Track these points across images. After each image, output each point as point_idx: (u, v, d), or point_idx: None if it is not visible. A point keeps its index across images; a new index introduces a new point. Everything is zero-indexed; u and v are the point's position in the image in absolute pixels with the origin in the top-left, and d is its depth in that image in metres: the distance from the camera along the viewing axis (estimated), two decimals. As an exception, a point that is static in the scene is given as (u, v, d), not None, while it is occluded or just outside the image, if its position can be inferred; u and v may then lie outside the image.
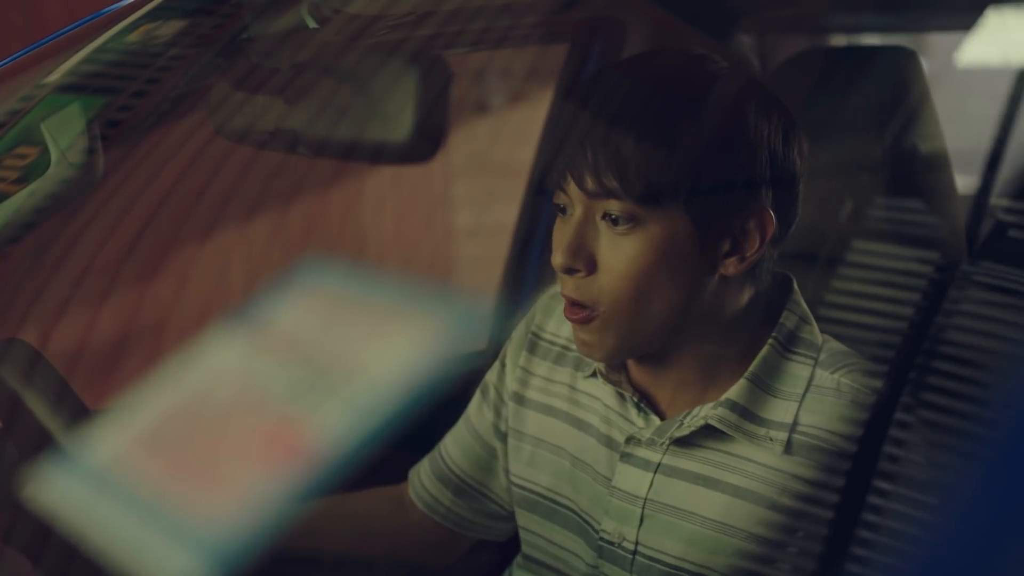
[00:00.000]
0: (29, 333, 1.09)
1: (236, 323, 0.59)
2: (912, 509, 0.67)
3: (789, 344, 1.00)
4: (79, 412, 1.07)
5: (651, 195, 0.93)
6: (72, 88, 1.21)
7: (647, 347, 1.00)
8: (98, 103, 1.21)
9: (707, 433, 0.99)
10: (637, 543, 1.02)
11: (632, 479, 1.03)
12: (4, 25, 2.87)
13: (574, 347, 1.11)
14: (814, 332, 1.01)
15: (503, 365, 1.18)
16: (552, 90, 1.82)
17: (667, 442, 1.01)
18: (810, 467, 0.95)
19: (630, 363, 1.05)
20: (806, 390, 0.98)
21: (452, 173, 3.80)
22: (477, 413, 1.20)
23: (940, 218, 1.34)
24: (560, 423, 1.11)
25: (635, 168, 0.92)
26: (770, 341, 1.00)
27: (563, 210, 0.98)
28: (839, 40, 2.51)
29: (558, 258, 0.96)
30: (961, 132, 1.60)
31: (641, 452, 1.03)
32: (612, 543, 1.04)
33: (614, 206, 0.94)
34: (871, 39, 2.32)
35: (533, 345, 1.15)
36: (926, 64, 1.41)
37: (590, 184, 0.94)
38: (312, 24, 1.29)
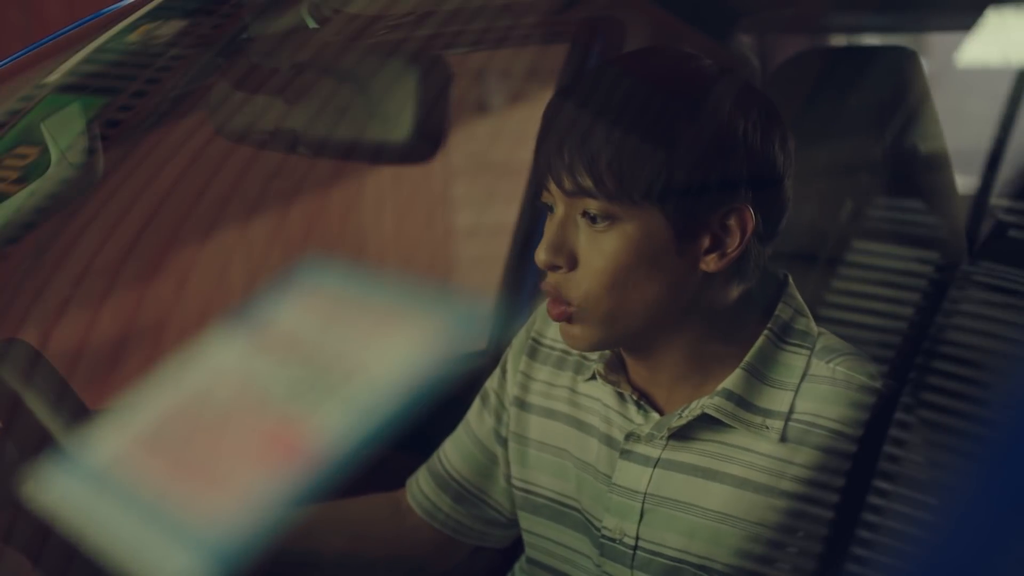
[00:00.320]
0: (29, 333, 1.09)
1: (236, 323, 0.59)
2: (912, 502, 0.67)
3: (784, 335, 1.01)
4: (79, 412, 1.07)
5: (625, 194, 0.94)
6: (72, 88, 1.21)
7: (629, 340, 1.01)
8: (98, 103, 1.21)
9: (705, 424, 1.00)
10: (638, 538, 1.02)
11: (632, 475, 1.03)
12: (4, 25, 2.87)
13: (574, 351, 1.12)
14: (809, 324, 1.02)
15: (503, 371, 1.18)
16: (552, 90, 1.82)
17: (666, 436, 1.01)
18: (807, 455, 0.95)
19: (628, 363, 1.06)
20: (802, 379, 0.99)
21: (452, 173, 3.81)
22: (477, 419, 1.20)
23: (940, 218, 1.34)
24: (562, 426, 1.11)
25: (608, 167, 0.94)
26: (765, 332, 1.00)
27: (550, 208, 1.00)
28: (839, 40, 2.51)
29: (540, 255, 0.98)
30: (961, 132, 1.61)
31: (640, 448, 1.03)
32: (613, 540, 1.04)
33: (591, 204, 0.95)
34: (871, 39, 2.32)
35: (533, 351, 1.16)
36: (926, 64, 1.41)
37: (567, 183, 0.96)
38: (312, 24, 1.29)
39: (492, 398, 1.19)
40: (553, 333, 1.15)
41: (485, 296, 2.02)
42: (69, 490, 0.55)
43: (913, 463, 0.71)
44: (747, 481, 0.98)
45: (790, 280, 1.04)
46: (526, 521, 1.14)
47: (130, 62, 1.26)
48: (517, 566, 1.21)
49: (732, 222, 0.96)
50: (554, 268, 0.98)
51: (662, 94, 0.97)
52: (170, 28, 1.30)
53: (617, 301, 0.96)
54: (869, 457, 0.75)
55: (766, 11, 1.94)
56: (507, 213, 1.96)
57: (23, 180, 1.13)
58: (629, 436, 1.04)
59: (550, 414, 1.13)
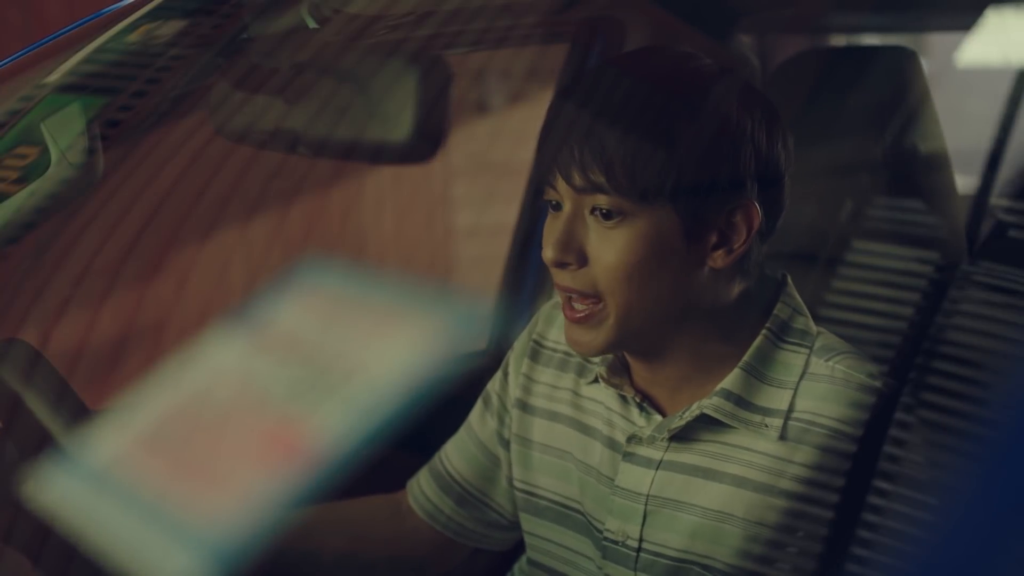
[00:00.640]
0: (29, 333, 1.09)
1: (236, 323, 0.59)
2: (912, 501, 0.67)
3: (783, 334, 1.01)
4: (79, 412, 1.07)
5: (637, 189, 0.94)
6: (72, 88, 1.21)
7: (640, 341, 1.01)
8: (98, 103, 1.21)
9: (705, 424, 1.00)
10: (641, 540, 1.02)
11: (634, 477, 1.03)
12: (4, 25, 2.87)
13: (576, 354, 1.12)
14: (808, 323, 1.02)
15: (505, 374, 1.18)
16: (552, 90, 1.82)
17: (667, 438, 1.01)
18: (806, 453, 0.96)
19: (632, 364, 1.06)
20: (801, 378, 0.99)
21: (452, 173, 3.81)
22: (480, 421, 1.20)
23: (940, 218, 1.34)
24: (565, 428, 1.11)
25: (621, 163, 0.94)
26: (764, 332, 1.01)
27: (554, 206, 0.99)
28: (839, 40, 2.51)
29: (549, 252, 0.98)
30: (961, 132, 1.61)
31: (643, 450, 1.03)
32: (616, 542, 1.04)
33: (602, 200, 0.95)
34: (871, 39, 2.32)
35: (535, 353, 1.16)
36: (926, 64, 1.41)
37: (577, 179, 0.95)
38: (312, 24, 1.29)
39: (494, 400, 1.19)
40: (555, 335, 1.15)
41: (485, 296, 2.02)
42: (69, 490, 0.55)
43: (913, 462, 0.71)
44: (747, 480, 0.98)
45: (789, 280, 1.04)
46: (528, 523, 1.14)
47: (130, 62, 1.26)
48: (516, 567, 1.21)
49: (738, 219, 0.97)
50: (562, 265, 0.97)
51: (674, 92, 0.98)
52: (170, 28, 1.30)
53: (629, 297, 0.96)
54: (869, 456, 0.76)
55: (766, 11, 1.94)
56: (507, 213, 1.96)
57: (23, 180, 1.13)
58: (631, 438, 1.04)
59: (553, 416, 1.12)
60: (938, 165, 1.37)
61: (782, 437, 0.97)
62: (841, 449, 0.94)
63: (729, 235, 0.97)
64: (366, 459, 0.51)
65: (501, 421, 1.18)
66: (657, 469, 1.02)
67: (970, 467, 0.55)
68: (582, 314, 0.98)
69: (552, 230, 0.98)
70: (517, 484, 1.15)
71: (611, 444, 1.06)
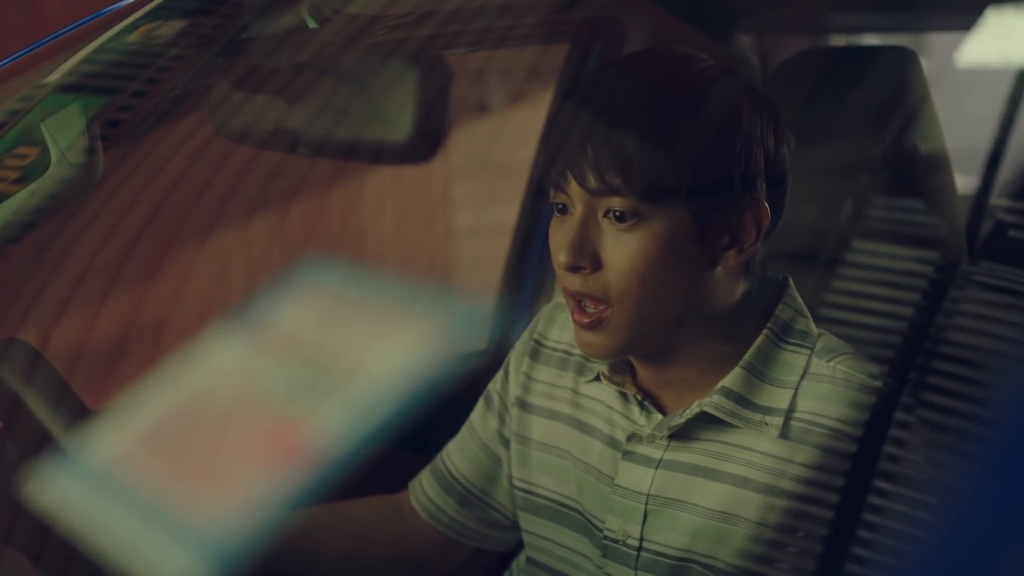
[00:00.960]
0: (29, 333, 1.09)
1: (236, 323, 0.59)
2: (912, 501, 0.67)
3: (784, 334, 1.01)
4: (79, 412, 1.07)
5: (653, 191, 0.94)
6: (72, 88, 1.21)
7: (650, 344, 1.01)
8: (98, 103, 1.21)
9: (705, 424, 1.00)
10: (641, 539, 1.02)
11: (635, 476, 1.03)
12: (4, 25, 2.87)
13: (576, 353, 1.12)
14: (809, 324, 1.03)
15: (506, 373, 1.18)
16: (552, 90, 1.82)
17: (667, 436, 1.01)
18: (807, 453, 0.96)
19: (636, 364, 1.06)
20: (802, 377, 0.99)
21: (452, 173, 3.80)
22: (481, 421, 1.20)
23: (940, 218, 1.34)
24: (564, 427, 1.11)
25: (637, 165, 0.93)
26: (765, 332, 1.01)
27: (561, 209, 0.99)
28: (839, 40, 2.51)
29: (562, 256, 0.97)
30: (961, 132, 1.61)
31: (643, 449, 1.03)
32: (616, 541, 1.04)
33: (617, 203, 0.95)
34: (871, 39, 2.32)
35: (536, 352, 1.16)
36: (926, 64, 1.41)
37: (592, 182, 0.95)
38: (312, 24, 1.29)
39: (495, 400, 1.19)
40: (556, 335, 1.15)
41: (485, 296, 2.02)
42: (69, 490, 0.55)
43: (913, 463, 0.71)
44: (748, 480, 0.98)
45: (790, 282, 1.05)
46: (526, 522, 1.14)
47: (130, 62, 1.26)
48: (515, 565, 1.21)
49: (749, 219, 0.97)
50: (576, 269, 0.97)
51: (686, 93, 0.98)
52: (170, 28, 1.30)
53: (644, 300, 0.96)
54: (869, 456, 0.76)
55: (766, 11, 1.94)
56: (507, 213, 1.96)
57: (23, 180, 1.12)
58: (631, 437, 1.04)
59: (552, 415, 1.12)
60: (938, 165, 1.37)
61: (783, 436, 0.97)
62: (842, 449, 0.94)
63: (740, 235, 0.98)
64: (366, 459, 0.51)
65: (502, 420, 1.18)
66: (657, 468, 1.02)
67: (970, 467, 0.55)
68: (593, 318, 0.98)
69: (563, 234, 0.98)
70: (516, 483, 1.15)
71: (611, 443, 1.06)
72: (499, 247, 1.98)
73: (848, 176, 1.30)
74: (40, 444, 1.01)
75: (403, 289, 0.57)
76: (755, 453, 0.98)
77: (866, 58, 1.52)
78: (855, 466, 0.80)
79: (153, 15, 1.29)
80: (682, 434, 1.01)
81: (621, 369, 1.06)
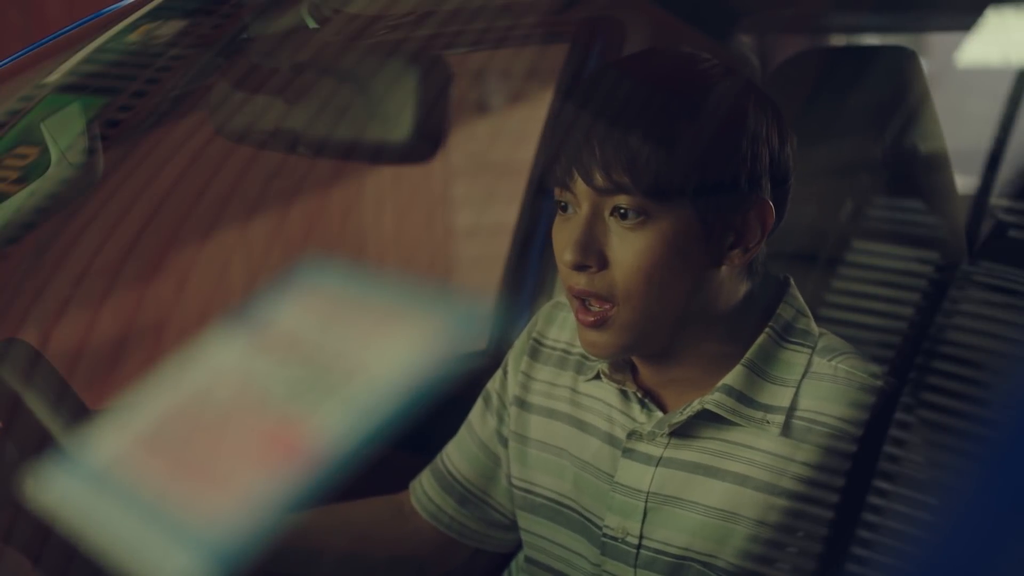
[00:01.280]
0: (29, 333, 1.09)
1: (236, 323, 0.59)
2: (912, 501, 0.67)
3: (785, 333, 1.02)
4: (79, 412, 1.07)
5: (660, 189, 0.94)
6: (72, 88, 1.21)
7: (654, 343, 1.01)
8: (98, 103, 1.21)
9: (706, 421, 1.00)
10: (641, 537, 1.02)
11: (634, 473, 1.03)
12: (4, 25, 2.87)
13: (575, 351, 1.12)
14: (810, 324, 1.03)
15: (505, 372, 1.18)
16: (552, 90, 1.82)
17: (667, 433, 1.01)
18: (808, 451, 0.96)
19: (637, 362, 1.06)
20: (803, 376, 0.99)
21: (452, 173, 3.80)
22: (480, 421, 1.20)
23: (940, 218, 1.34)
24: (562, 425, 1.11)
25: (645, 163, 0.93)
26: (767, 330, 1.01)
27: (565, 208, 0.99)
28: (839, 40, 2.51)
29: (568, 255, 0.97)
30: (961, 132, 1.61)
31: (642, 447, 1.03)
32: (616, 539, 1.04)
33: (624, 200, 0.95)
34: (871, 39, 2.32)
35: (535, 351, 1.16)
36: (926, 64, 1.41)
37: (599, 180, 0.95)
38: (312, 24, 1.29)
39: (494, 399, 1.19)
40: (555, 334, 1.15)
41: (485, 296, 2.02)
42: (69, 490, 0.55)
43: (914, 462, 0.71)
44: (749, 478, 0.98)
45: (791, 282, 1.05)
46: (524, 520, 1.14)
47: (130, 62, 1.26)
48: (514, 564, 1.21)
49: (754, 218, 0.98)
50: (582, 268, 0.97)
51: (693, 92, 0.98)
52: (170, 28, 1.30)
53: (650, 299, 0.96)
54: (870, 455, 0.76)
55: (766, 11, 1.94)
56: (507, 213, 1.96)
57: (23, 180, 1.12)
58: (631, 435, 1.04)
59: (551, 414, 1.12)
60: (938, 165, 1.37)
61: (784, 434, 0.97)
62: (843, 448, 0.94)
63: (745, 235, 0.98)
64: (366, 459, 0.51)
65: (500, 419, 1.18)
66: (657, 466, 1.02)
67: (970, 467, 0.55)
68: (597, 316, 0.98)
69: (568, 232, 0.97)
70: (514, 481, 1.15)
71: (610, 440, 1.06)
72: (499, 247, 1.98)
73: (848, 176, 1.30)
74: (40, 444, 1.01)
75: (403, 289, 0.57)
76: (756, 451, 0.98)
77: (866, 58, 1.52)
78: (856, 465, 0.80)
79: (153, 15, 1.29)
80: (683, 432, 1.01)
81: (621, 367, 1.06)
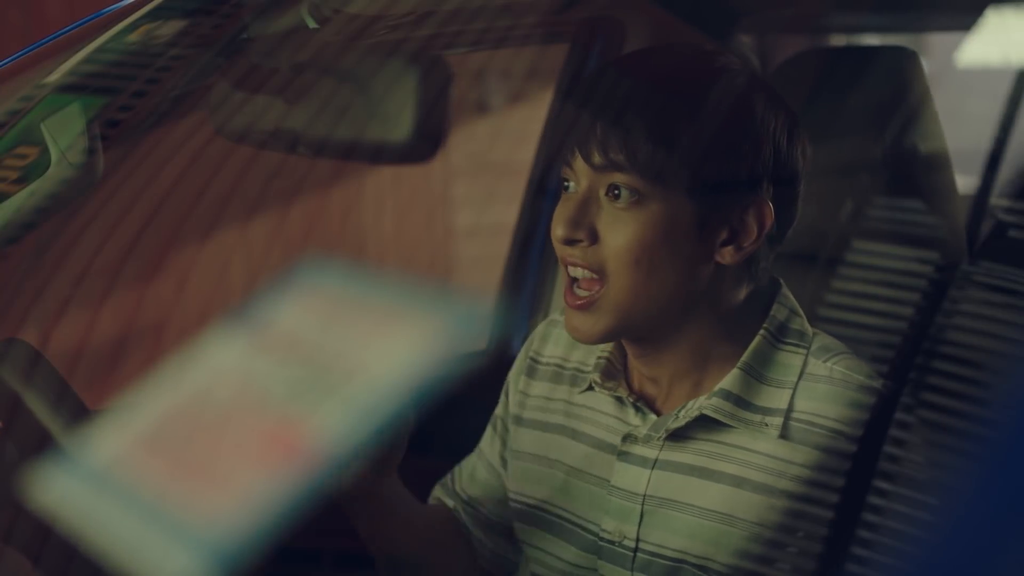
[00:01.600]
0: (29, 333, 1.09)
1: (236, 323, 0.59)
2: (912, 501, 0.67)
3: (780, 335, 1.01)
4: (79, 412, 1.07)
5: (655, 170, 0.94)
6: (72, 88, 1.21)
7: (639, 330, 1.01)
8: (98, 103, 1.21)
9: (702, 424, 1.00)
10: (638, 540, 1.02)
11: (630, 477, 1.03)
12: (4, 25, 2.87)
13: (569, 366, 1.12)
14: (804, 324, 1.03)
15: (506, 395, 1.18)
16: (552, 90, 1.82)
17: (663, 436, 1.01)
18: (806, 454, 0.96)
19: (630, 359, 1.06)
20: (799, 378, 0.99)
21: (452, 173, 3.81)
22: (489, 447, 1.20)
23: (940, 218, 1.34)
24: (555, 436, 1.11)
25: (642, 142, 0.94)
26: (761, 332, 1.01)
27: (567, 187, 1.00)
28: (839, 40, 2.51)
29: (559, 230, 0.97)
30: (961, 132, 1.60)
31: (638, 450, 1.03)
32: (612, 542, 1.04)
33: (618, 178, 0.96)
34: (871, 39, 2.32)
35: (532, 369, 1.16)
36: (926, 64, 1.41)
37: (596, 157, 0.96)
38: (312, 24, 1.29)
39: (499, 424, 1.19)
40: (550, 351, 1.15)
41: (485, 296, 2.02)
42: (69, 490, 0.55)
43: (913, 463, 0.71)
44: (746, 480, 0.98)
45: (782, 283, 1.05)
46: (522, 533, 1.14)
47: (130, 62, 1.26)
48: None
49: (751, 217, 0.97)
50: (573, 242, 0.97)
51: (702, 80, 0.99)
52: (170, 28, 1.30)
53: (636, 280, 0.96)
54: (869, 457, 0.76)
55: (766, 11, 1.94)
56: (507, 213, 1.96)
57: (23, 180, 1.13)
58: (626, 438, 1.04)
59: (544, 427, 1.12)
60: (938, 165, 1.37)
61: (782, 436, 0.97)
62: (841, 449, 0.94)
63: (740, 232, 0.98)
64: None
65: (503, 443, 1.18)
66: (653, 468, 1.02)
67: (970, 467, 0.55)
68: (584, 300, 0.98)
69: (564, 208, 0.98)
70: (511, 495, 1.14)
71: (606, 446, 1.06)
72: (499, 247, 1.98)
73: (848, 176, 1.30)
74: (40, 444, 1.01)
75: (403, 289, 0.57)
76: (753, 453, 0.98)
77: (866, 58, 1.52)
78: (854, 466, 0.80)
79: (153, 15, 1.29)
80: (679, 434, 1.01)
81: (614, 374, 1.06)
